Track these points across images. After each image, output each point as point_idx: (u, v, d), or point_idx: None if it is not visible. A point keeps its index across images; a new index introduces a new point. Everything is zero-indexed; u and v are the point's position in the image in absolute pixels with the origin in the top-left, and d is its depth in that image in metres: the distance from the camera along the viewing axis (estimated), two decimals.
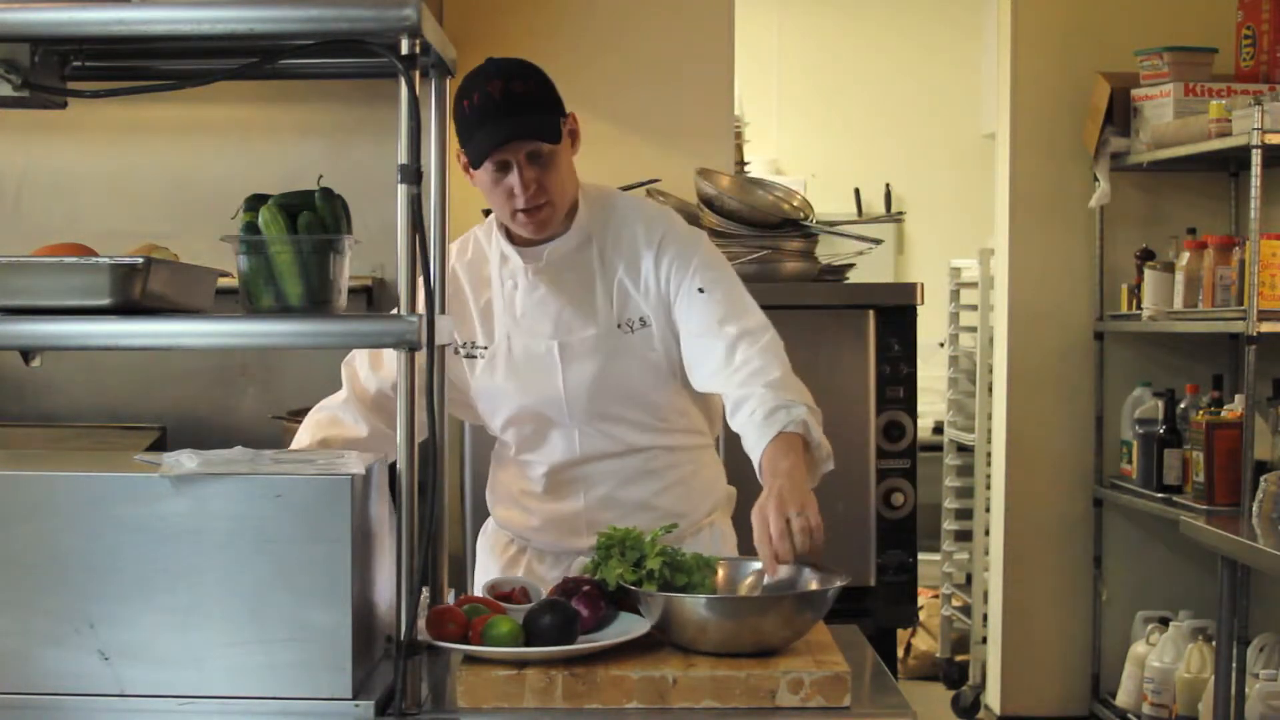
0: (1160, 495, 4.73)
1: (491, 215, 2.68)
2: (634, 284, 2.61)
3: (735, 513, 2.80)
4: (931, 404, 6.34)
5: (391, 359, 2.61)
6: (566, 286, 2.62)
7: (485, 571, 2.80)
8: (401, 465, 2.04)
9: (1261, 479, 3.96)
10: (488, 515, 2.88)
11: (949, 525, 6.11)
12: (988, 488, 5.72)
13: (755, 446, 2.39)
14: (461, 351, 2.66)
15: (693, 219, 4.14)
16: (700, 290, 2.58)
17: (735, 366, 2.49)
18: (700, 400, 2.69)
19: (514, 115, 2.46)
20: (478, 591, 2.50)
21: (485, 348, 2.65)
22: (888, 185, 7.65)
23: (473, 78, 2.50)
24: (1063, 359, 5.26)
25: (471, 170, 2.54)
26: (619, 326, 2.61)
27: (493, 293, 2.67)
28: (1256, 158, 4.34)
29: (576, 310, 2.61)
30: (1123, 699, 4.91)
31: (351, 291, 2.23)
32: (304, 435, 2.69)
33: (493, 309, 2.66)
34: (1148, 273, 4.90)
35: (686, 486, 2.72)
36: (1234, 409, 4.54)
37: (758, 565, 2.31)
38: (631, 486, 2.67)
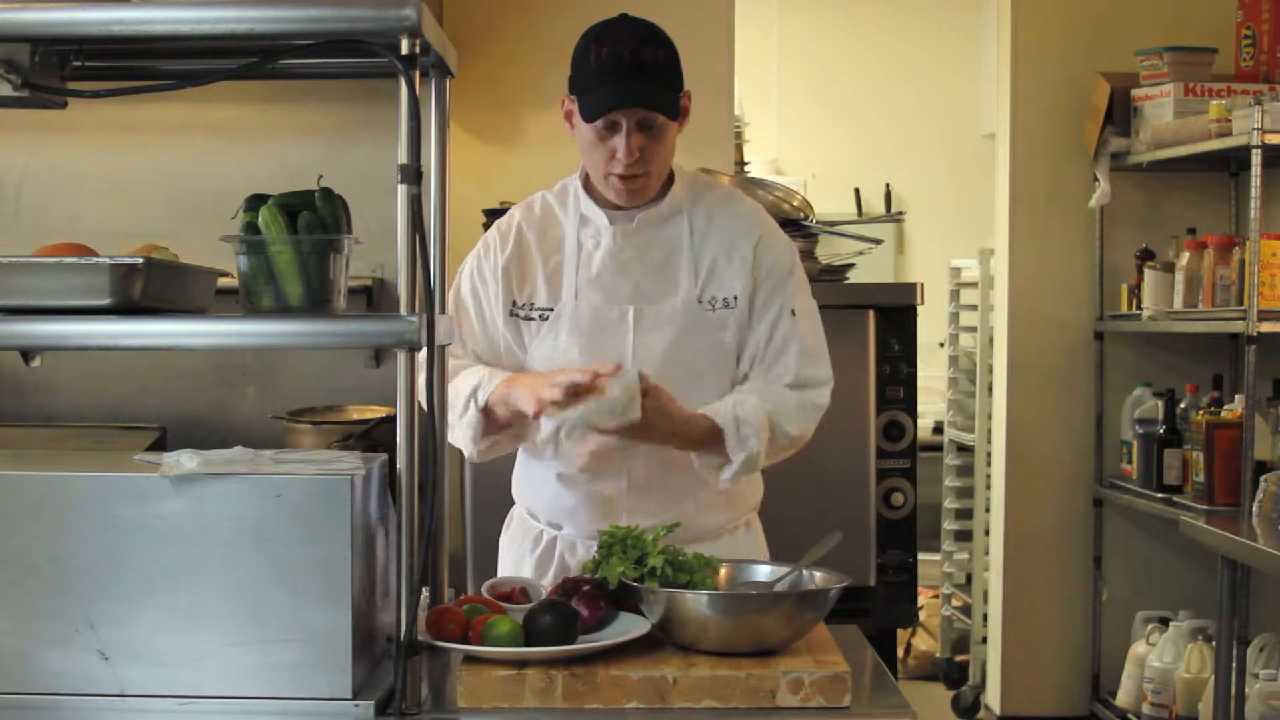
0: (1160, 495, 4.73)
1: (567, 180, 2.67)
2: (728, 263, 2.59)
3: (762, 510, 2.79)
4: (931, 404, 6.34)
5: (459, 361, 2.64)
6: (652, 254, 2.60)
7: (513, 568, 2.72)
8: (401, 465, 2.04)
9: (1261, 479, 3.97)
10: (505, 509, 2.81)
11: (949, 525, 6.12)
12: (988, 488, 5.72)
13: (714, 407, 2.51)
14: (521, 313, 2.61)
15: None
16: (793, 313, 2.60)
17: (770, 393, 2.56)
18: None
19: (639, 80, 2.45)
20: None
21: (550, 309, 2.60)
22: (888, 185, 7.65)
23: (607, 29, 2.50)
24: (1063, 359, 5.26)
25: (574, 120, 2.53)
26: (700, 302, 2.58)
27: (564, 255, 2.61)
28: (1256, 158, 4.35)
29: (659, 278, 2.59)
30: (1123, 699, 4.91)
31: (351, 291, 2.24)
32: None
33: (562, 270, 2.61)
34: (1148, 273, 4.90)
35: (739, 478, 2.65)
36: (1234, 409, 4.55)
37: (759, 569, 2.32)
38: (675, 474, 2.60)
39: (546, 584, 2.45)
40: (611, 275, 2.59)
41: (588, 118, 2.48)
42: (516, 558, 2.74)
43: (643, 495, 2.60)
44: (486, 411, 2.54)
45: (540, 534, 2.71)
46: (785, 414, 2.56)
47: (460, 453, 2.74)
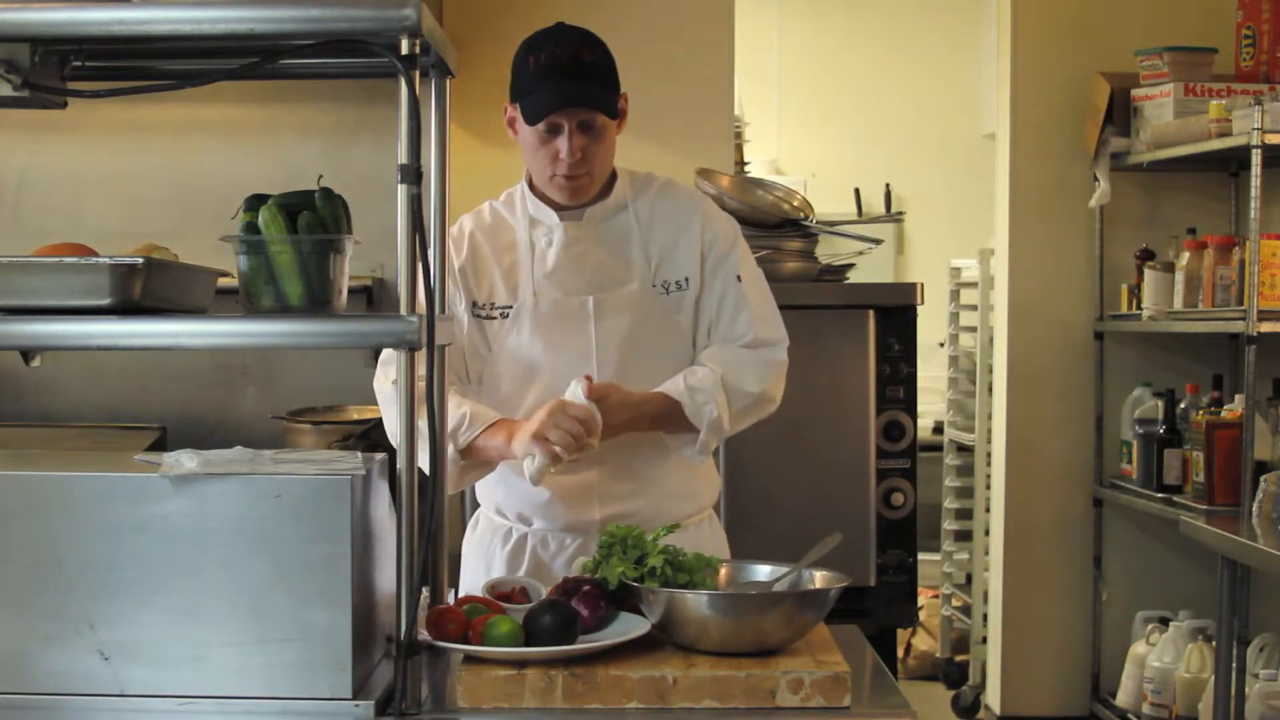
0: (1160, 495, 4.73)
1: (511, 189, 2.75)
2: (676, 247, 2.67)
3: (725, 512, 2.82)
4: (931, 404, 6.34)
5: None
6: (604, 246, 2.67)
7: (477, 573, 2.75)
8: (401, 465, 2.04)
9: (1261, 479, 3.96)
10: (465, 515, 2.86)
11: (949, 525, 6.12)
12: (988, 488, 5.72)
13: (668, 383, 2.59)
14: (482, 313, 2.67)
15: None
16: (739, 279, 2.69)
17: (723, 356, 2.64)
18: None
19: (578, 81, 2.53)
20: (468, 594, 2.48)
21: (509, 306, 2.66)
22: (888, 185, 7.65)
23: (543, 37, 2.58)
24: (1063, 359, 5.26)
25: (517, 127, 2.61)
26: (655, 287, 2.66)
27: (519, 254, 2.68)
28: (1256, 158, 4.34)
29: (613, 267, 2.66)
30: (1123, 699, 4.91)
31: (351, 291, 2.23)
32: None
33: (518, 269, 2.67)
34: (1148, 273, 4.90)
35: (692, 469, 2.73)
36: (1234, 409, 4.55)
37: (759, 569, 2.32)
38: (645, 460, 2.66)
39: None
40: (567, 269, 2.66)
41: (530, 120, 2.56)
42: (485, 558, 2.76)
43: (614, 482, 2.66)
44: (465, 450, 2.58)
45: (509, 531, 2.73)
46: (740, 373, 2.64)
47: None
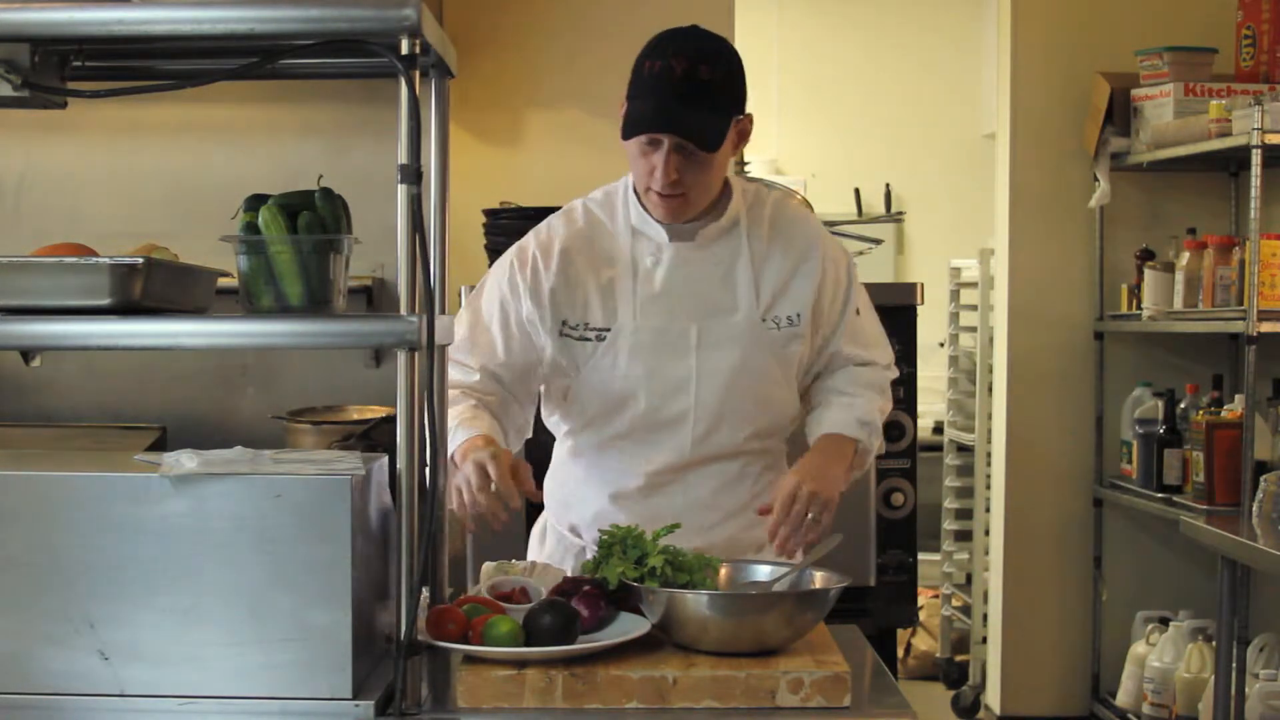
0: (1160, 495, 4.73)
1: (611, 187, 2.60)
2: (792, 283, 2.54)
3: None
4: (931, 404, 6.34)
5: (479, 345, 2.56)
6: (713, 270, 2.52)
7: None
8: (401, 465, 2.04)
9: (1261, 479, 3.96)
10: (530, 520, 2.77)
11: (949, 525, 6.12)
12: (988, 488, 5.72)
13: (830, 422, 2.56)
14: (573, 333, 2.51)
15: None
16: (858, 312, 2.62)
17: (853, 378, 2.62)
18: (796, 407, 2.65)
19: (683, 104, 2.35)
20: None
21: (606, 329, 2.50)
22: (888, 185, 7.65)
23: (666, 41, 2.41)
24: (1063, 359, 5.27)
25: (625, 134, 2.45)
26: (764, 321, 2.53)
27: (618, 270, 2.52)
28: (1256, 158, 4.35)
29: (722, 295, 2.52)
30: (1123, 699, 4.92)
31: (351, 291, 2.24)
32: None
33: (616, 288, 2.52)
34: (1148, 273, 4.90)
35: (769, 493, 2.63)
36: (1234, 409, 4.55)
37: (759, 569, 2.32)
38: (727, 492, 2.58)
39: None
40: (673, 294, 2.51)
41: (624, 132, 2.42)
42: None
43: (696, 515, 2.54)
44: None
45: (582, 550, 2.63)
46: (880, 402, 2.63)
47: None
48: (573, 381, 2.55)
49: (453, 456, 2.37)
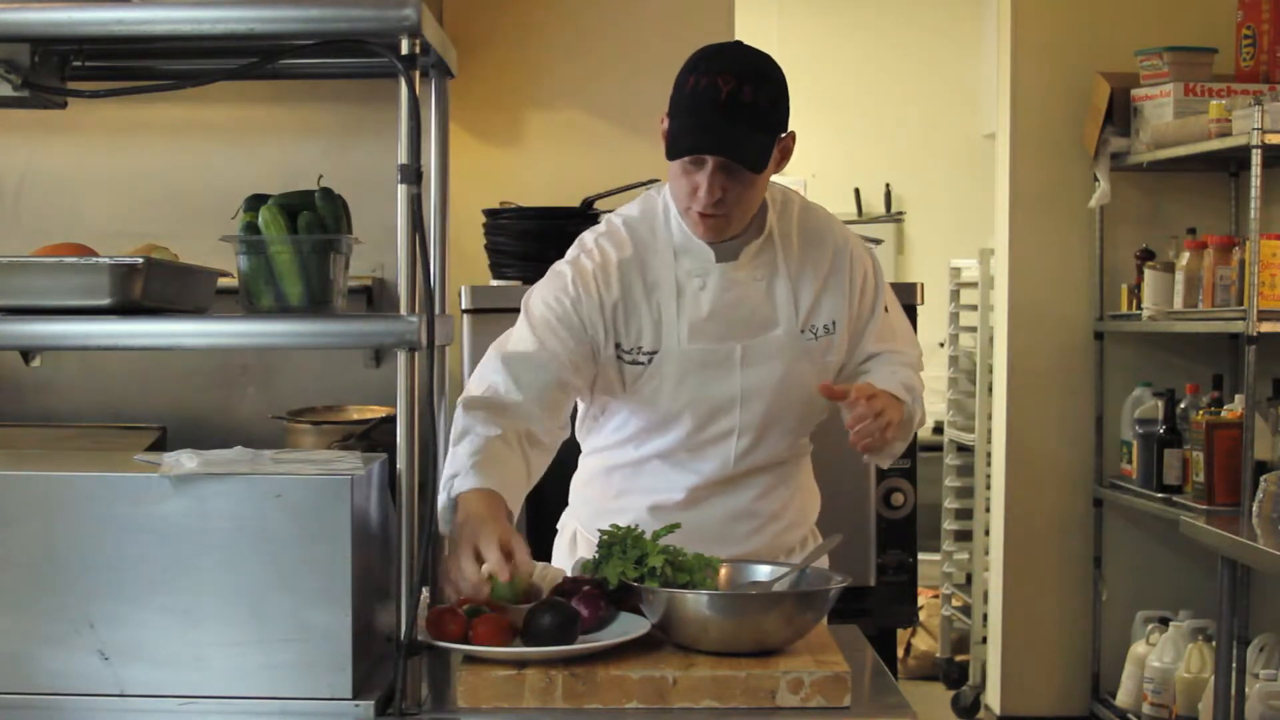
0: (1160, 495, 4.73)
1: (645, 201, 2.55)
2: (827, 292, 2.53)
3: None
4: (931, 404, 6.32)
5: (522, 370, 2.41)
6: (756, 287, 2.50)
7: None
8: (401, 465, 2.04)
9: (1261, 479, 3.97)
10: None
11: (949, 525, 6.12)
12: (988, 488, 5.72)
13: (883, 380, 2.52)
14: (626, 357, 2.46)
15: None
16: (886, 309, 2.62)
17: (890, 362, 2.60)
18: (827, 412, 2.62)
19: (728, 124, 2.31)
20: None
21: (654, 353, 2.47)
22: (888, 185, 7.65)
23: (711, 58, 2.35)
24: (1063, 359, 5.26)
25: (668, 150, 2.38)
26: (803, 333, 2.51)
27: (663, 293, 2.48)
28: (1256, 158, 4.34)
29: (764, 312, 2.50)
30: (1123, 699, 4.91)
31: (351, 291, 2.24)
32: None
33: (663, 312, 2.47)
34: (1148, 273, 4.90)
35: (804, 493, 2.66)
36: (1234, 409, 4.55)
37: (759, 569, 2.32)
38: (767, 498, 2.58)
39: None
40: (720, 316, 2.48)
41: (669, 155, 2.38)
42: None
43: (736, 523, 2.55)
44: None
45: None
46: (919, 384, 2.62)
47: None
48: (614, 400, 2.52)
49: (454, 500, 2.24)
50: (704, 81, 2.31)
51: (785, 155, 2.46)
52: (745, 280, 2.49)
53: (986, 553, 5.68)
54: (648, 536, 2.25)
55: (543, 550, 2.76)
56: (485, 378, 2.40)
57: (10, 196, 3.75)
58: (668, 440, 2.52)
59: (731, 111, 2.30)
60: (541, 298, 2.48)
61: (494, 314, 3.61)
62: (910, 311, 4.01)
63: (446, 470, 2.27)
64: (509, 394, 2.37)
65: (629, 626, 2.15)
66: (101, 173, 3.77)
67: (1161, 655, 4.71)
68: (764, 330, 2.49)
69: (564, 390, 2.44)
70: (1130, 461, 4.98)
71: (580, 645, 2.08)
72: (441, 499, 2.24)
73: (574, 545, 2.71)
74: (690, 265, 2.48)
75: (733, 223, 2.44)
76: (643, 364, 2.46)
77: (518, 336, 2.45)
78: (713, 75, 2.31)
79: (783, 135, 2.42)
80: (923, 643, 6.10)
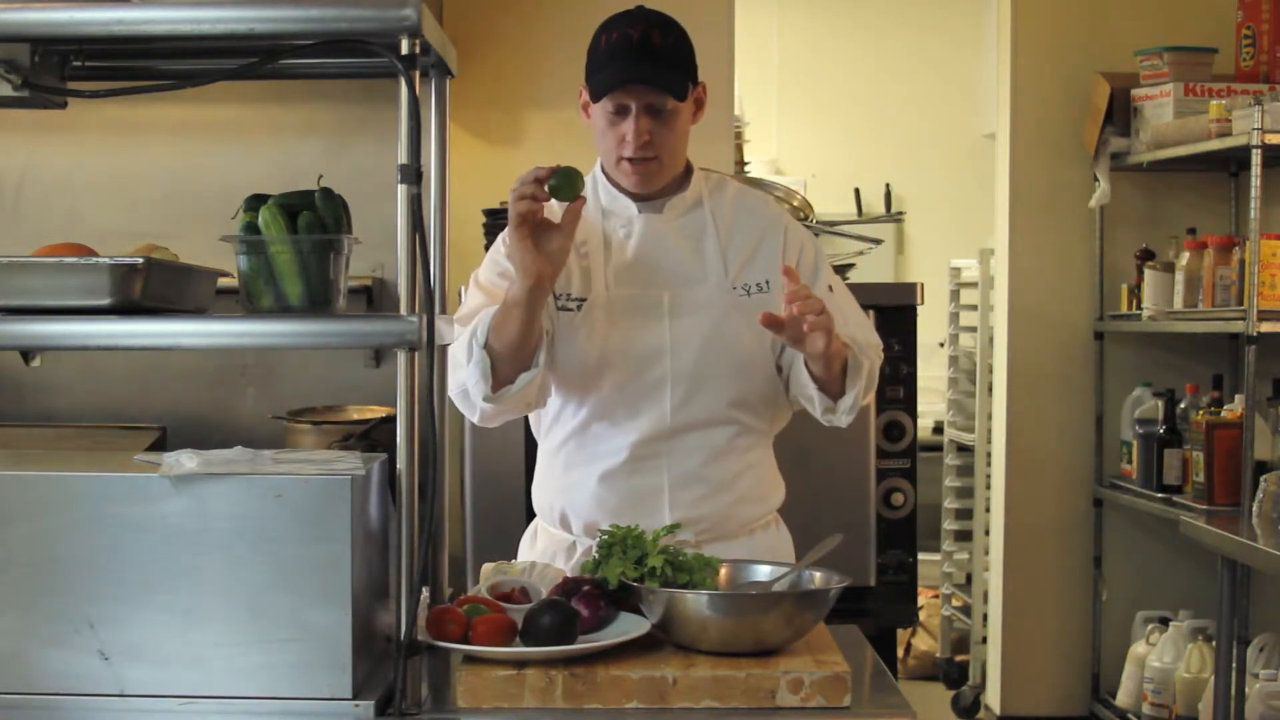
0: (1160, 495, 4.73)
1: (593, 168, 2.65)
2: (757, 250, 2.61)
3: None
4: (931, 404, 6.34)
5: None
6: (682, 241, 2.60)
7: None
8: (401, 465, 2.04)
9: (1261, 479, 3.97)
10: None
11: (949, 525, 6.12)
12: (988, 488, 5.72)
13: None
14: (559, 303, 2.56)
15: None
16: (830, 289, 2.64)
17: (848, 336, 2.58)
18: (780, 397, 2.65)
19: (644, 61, 2.47)
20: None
21: (583, 299, 2.56)
22: (888, 185, 7.65)
23: (617, 17, 2.52)
24: (1063, 359, 5.27)
25: (589, 110, 2.54)
26: (734, 289, 2.59)
27: (592, 245, 2.59)
28: (1256, 158, 4.35)
29: (692, 264, 2.59)
30: (1123, 699, 4.91)
31: (351, 291, 2.24)
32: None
33: (591, 260, 2.58)
34: (1148, 273, 4.90)
35: (760, 471, 2.67)
36: (1234, 409, 4.55)
37: (759, 569, 2.32)
38: (715, 464, 2.59)
39: None
40: (645, 263, 2.58)
41: (595, 96, 2.50)
42: None
43: (684, 488, 2.58)
44: (490, 350, 2.45)
45: (574, 544, 2.64)
46: (867, 351, 2.61)
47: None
48: (554, 353, 2.57)
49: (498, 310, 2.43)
50: (614, 35, 2.49)
51: (700, 106, 2.61)
52: (669, 233, 2.60)
53: (986, 553, 5.68)
54: (611, 525, 2.27)
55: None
56: (461, 339, 2.49)
57: (10, 196, 3.75)
58: (604, 393, 2.57)
59: (645, 52, 2.47)
60: (484, 268, 2.63)
61: None
62: (910, 311, 4.02)
63: (464, 343, 2.45)
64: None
65: (629, 626, 2.15)
66: (101, 173, 3.77)
67: (1161, 655, 4.71)
68: (693, 283, 2.58)
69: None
70: (1130, 461, 4.98)
71: (580, 645, 2.08)
72: (477, 354, 2.42)
73: (534, 539, 2.74)
74: (616, 219, 2.61)
75: (664, 167, 2.56)
76: (572, 310, 2.56)
77: (469, 305, 2.58)
78: (621, 28, 2.50)
79: (695, 83, 2.57)
80: (923, 643, 6.10)
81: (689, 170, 2.66)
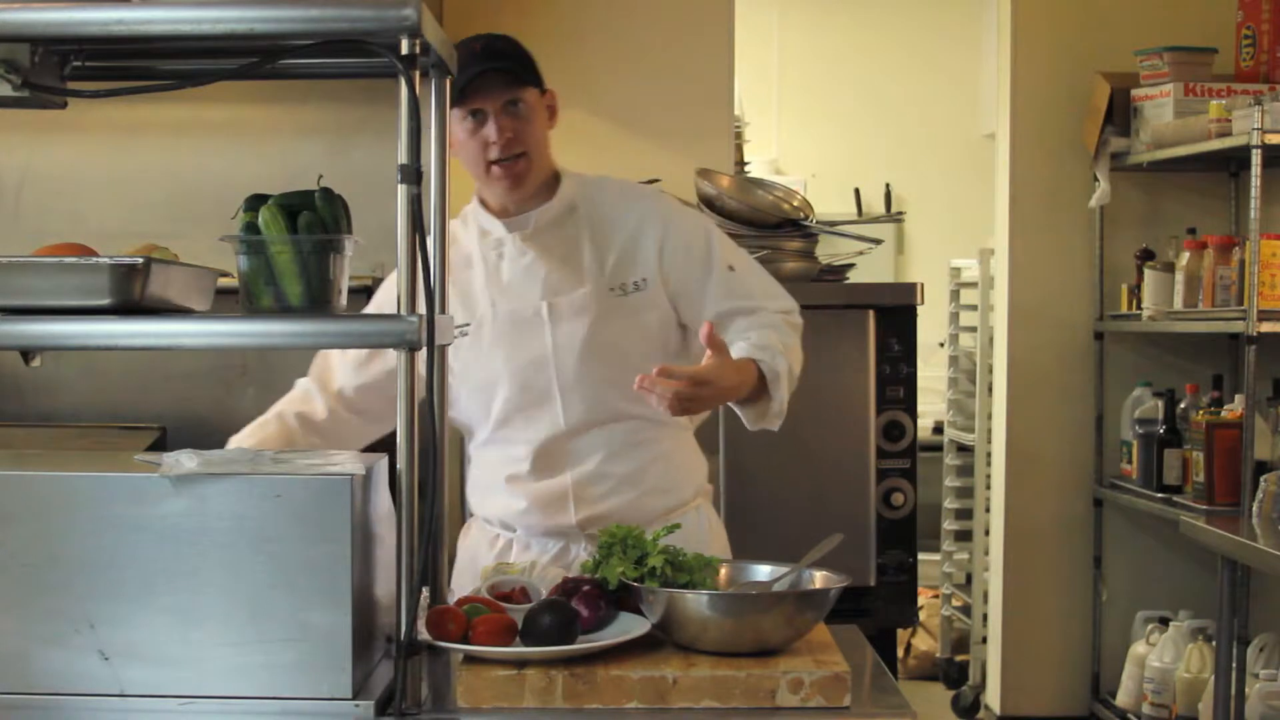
0: (1160, 495, 4.73)
1: (466, 207, 2.73)
2: (635, 250, 2.65)
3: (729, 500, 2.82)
4: (931, 404, 6.34)
5: (369, 359, 2.69)
6: (554, 251, 2.66)
7: (464, 575, 2.76)
8: (401, 465, 2.04)
9: (1261, 479, 3.97)
10: (465, 519, 2.89)
11: (949, 525, 6.12)
12: (988, 488, 5.72)
13: (738, 350, 2.55)
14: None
15: None
16: (731, 268, 2.67)
17: (747, 326, 2.63)
18: None
19: (492, 59, 2.57)
20: (455, 596, 2.48)
21: (467, 324, 2.66)
22: (888, 185, 7.65)
23: (458, 45, 2.57)
24: (1063, 359, 5.27)
25: (453, 140, 2.57)
26: (612, 290, 2.64)
27: (473, 270, 2.68)
28: (1256, 158, 4.35)
29: (565, 272, 2.64)
30: (1123, 699, 4.92)
31: (351, 291, 2.23)
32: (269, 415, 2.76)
33: (473, 284, 2.68)
34: (1148, 273, 4.90)
35: (670, 462, 2.73)
36: (1234, 409, 4.55)
37: (759, 569, 2.32)
38: (618, 460, 2.67)
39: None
40: (522, 276, 2.66)
41: (455, 102, 2.54)
42: (473, 562, 2.76)
43: (588, 486, 2.66)
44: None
45: (496, 536, 2.77)
46: (780, 333, 2.63)
47: (460, 452, 2.74)
48: (454, 376, 2.64)
49: None
50: (460, 53, 2.54)
51: (553, 114, 2.68)
52: (539, 247, 2.65)
53: (986, 553, 5.68)
54: (612, 525, 2.29)
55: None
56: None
57: (10, 196, 3.75)
58: (501, 407, 2.66)
59: (490, 53, 2.59)
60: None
61: None
62: (910, 311, 4.02)
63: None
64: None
65: (629, 626, 2.15)
66: (101, 173, 3.77)
67: (1161, 655, 4.71)
68: (569, 289, 2.63)
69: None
70: (1130, 461, 4.98)
71: (580, 645, 2.08)
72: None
73: (467, 529, 2.87)
74: (490, 242, 2.68)
75: (533, 164, 2.62)
76: (457, 336, 2.64)
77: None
78: (465, 45, 2.58)
79: (544, 91, 2.65)
80: (923, 643, 6.10)
81: (558, 178, 2.70)
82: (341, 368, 2.75)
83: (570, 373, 2.63)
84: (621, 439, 2.67)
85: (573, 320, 2.63)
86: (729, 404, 2.59)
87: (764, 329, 2.63)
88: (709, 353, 2.45)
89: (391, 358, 2.61)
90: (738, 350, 2.55)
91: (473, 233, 2.70)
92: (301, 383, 2.81)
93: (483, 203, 2.72)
